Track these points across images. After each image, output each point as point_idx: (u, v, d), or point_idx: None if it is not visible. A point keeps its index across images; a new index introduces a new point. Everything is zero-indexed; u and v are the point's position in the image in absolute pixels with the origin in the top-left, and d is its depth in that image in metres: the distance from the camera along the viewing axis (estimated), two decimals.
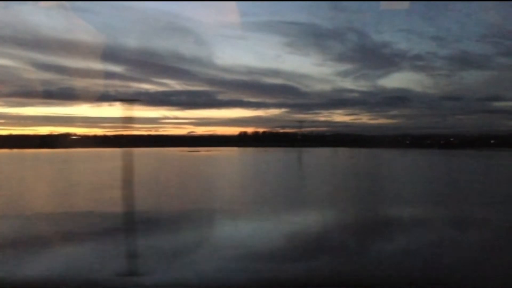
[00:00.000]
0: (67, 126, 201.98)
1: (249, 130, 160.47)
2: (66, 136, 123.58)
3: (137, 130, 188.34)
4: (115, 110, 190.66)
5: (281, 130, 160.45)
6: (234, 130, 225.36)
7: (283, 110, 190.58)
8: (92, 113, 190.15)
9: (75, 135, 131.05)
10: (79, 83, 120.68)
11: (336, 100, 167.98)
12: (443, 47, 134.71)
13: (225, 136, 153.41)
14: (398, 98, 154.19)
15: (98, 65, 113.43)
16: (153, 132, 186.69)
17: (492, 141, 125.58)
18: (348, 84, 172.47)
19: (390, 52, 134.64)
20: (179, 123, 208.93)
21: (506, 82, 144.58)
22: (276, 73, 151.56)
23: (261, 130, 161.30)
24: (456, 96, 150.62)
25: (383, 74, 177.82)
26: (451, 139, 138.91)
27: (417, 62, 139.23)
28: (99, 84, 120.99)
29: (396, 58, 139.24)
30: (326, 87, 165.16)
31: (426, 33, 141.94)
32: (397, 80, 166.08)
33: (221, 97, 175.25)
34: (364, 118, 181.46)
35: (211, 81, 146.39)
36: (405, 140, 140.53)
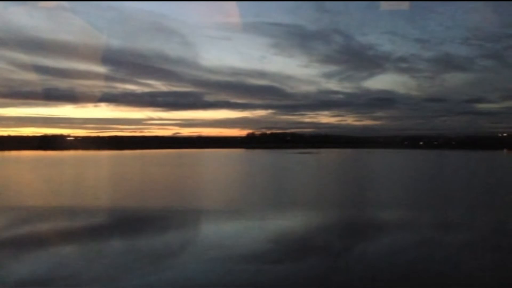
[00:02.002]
0: (51, 128, 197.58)
1: (251, 131, 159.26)
2: (60, 137, 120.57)
3: (122, 131, 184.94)
4: (100, 111, 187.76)
5: (269, 132, 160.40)
6: (223, 131, 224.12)
7: (269, 111, 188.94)
8: (76, 114, 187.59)
9: (68, 136, 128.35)
10: (63, 83, 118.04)
11: (322, 102, 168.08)
12: (426, 49, 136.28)
13: (226, 137, 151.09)
14: (382, 100, 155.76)
15: (82, 66, 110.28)
16: (149, 133, 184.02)
17: (474, 143, 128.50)
18: (333, 85, 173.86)
19: (374, 54, 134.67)
20: (164, 124, 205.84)
21: (488, 84, 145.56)
22: (261, 74, 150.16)
23: (268, 131, 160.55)
24: (440, 98, 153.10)
25: (367, 75, 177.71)
26: (435, 142, 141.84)
27: (401, 64, 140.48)
28: (83, 85, 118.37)
29: (381, 60, 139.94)
30: (312, 88, 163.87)
31: (410, 35, 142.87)
32: (381, 81, 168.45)
33: (207, 98, 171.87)
34: (349, 120, 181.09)
35: (197, 82, 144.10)
36: (391, 141, 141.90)
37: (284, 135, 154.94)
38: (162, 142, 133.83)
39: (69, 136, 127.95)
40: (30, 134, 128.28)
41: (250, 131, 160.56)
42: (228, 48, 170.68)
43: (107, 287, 6.94)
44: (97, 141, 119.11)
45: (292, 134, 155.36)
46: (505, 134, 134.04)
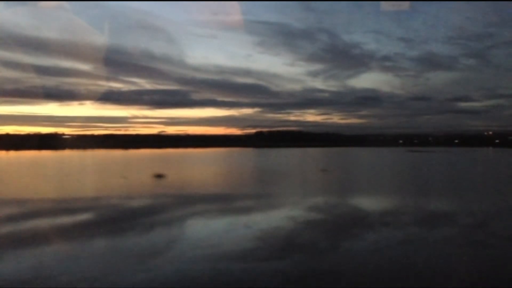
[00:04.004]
0: (34, 126, 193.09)
1: (259, 130, 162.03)
2: (52, 136, 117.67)
3: (107, 130, 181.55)
4: (85, 109, 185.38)
5: (275, 129, 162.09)
6: (209, 130, 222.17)
7: (255, 109, 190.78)
8: (60, 112, 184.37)
9: (63, 134, 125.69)
10: (47, 81, 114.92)
11: (307, 100, 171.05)
12: (410, 48, 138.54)
13: (220, 136, 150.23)
14: (367, 98, 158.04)
15: (67, 63, 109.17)
16: (133, 132, 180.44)
17: (456, 141, 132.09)
18: (318, 84, 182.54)
19: (359, 52, 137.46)
20: (149, 122, 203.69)
21: (471, 83, 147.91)
22: (247, 72, 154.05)
23: (265, 130, 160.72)
24: (423, 97, 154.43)
25: (353, 74, 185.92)
26: (415, 140, 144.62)
27: (386, 63, 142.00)
28: (68, 83, 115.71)
29: (366, 59, 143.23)
30: (297, 87, 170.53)
31: (394, 34, 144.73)
32: (366, 80, 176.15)
33: (193, 96, 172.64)
34: (335, 118, 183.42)
35: (183, 80, 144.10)
36: (379, 139, 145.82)
37: (291, 132, 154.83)
38: (149, 140, 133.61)
39: (63, 134, 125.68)
40: (11, 133, 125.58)
41: (248, 130, 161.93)
42: (214, 46, 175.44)
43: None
44: (84, 140, 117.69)
45: (299, 132, 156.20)
46: (490, 133, 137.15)
